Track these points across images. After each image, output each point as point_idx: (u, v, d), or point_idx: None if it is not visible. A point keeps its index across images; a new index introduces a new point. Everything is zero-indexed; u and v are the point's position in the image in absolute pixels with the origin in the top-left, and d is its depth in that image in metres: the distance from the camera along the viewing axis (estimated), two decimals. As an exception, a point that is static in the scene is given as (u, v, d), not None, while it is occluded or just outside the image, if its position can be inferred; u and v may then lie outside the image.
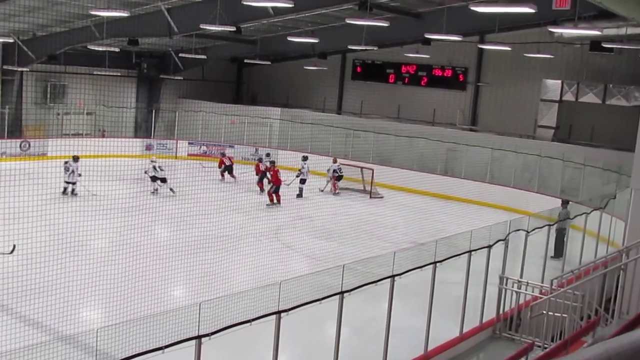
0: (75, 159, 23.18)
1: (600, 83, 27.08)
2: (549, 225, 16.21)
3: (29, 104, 30.98)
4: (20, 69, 29.13)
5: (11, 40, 27.97)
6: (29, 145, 28.76)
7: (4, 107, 29.62)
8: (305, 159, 26.72)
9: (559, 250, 18.00)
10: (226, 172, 28.61)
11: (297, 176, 26.08)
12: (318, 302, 8.98)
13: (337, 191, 27.49)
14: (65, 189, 23.32)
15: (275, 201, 23.95)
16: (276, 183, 24.08)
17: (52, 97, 31.97)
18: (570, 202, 19.47)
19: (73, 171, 23.17)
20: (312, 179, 26.65)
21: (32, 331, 10.88)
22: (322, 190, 27.53)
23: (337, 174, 27.44)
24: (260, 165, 26.87)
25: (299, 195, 25.78)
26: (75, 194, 23.43)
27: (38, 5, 23.48)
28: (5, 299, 11.54)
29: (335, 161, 27.75)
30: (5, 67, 29.27)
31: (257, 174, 26.67)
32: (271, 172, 24.67)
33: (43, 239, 13.37)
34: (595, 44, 25.64)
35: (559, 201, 19.70)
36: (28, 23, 25.99)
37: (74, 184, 23.43)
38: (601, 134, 27.68)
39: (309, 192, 26.33)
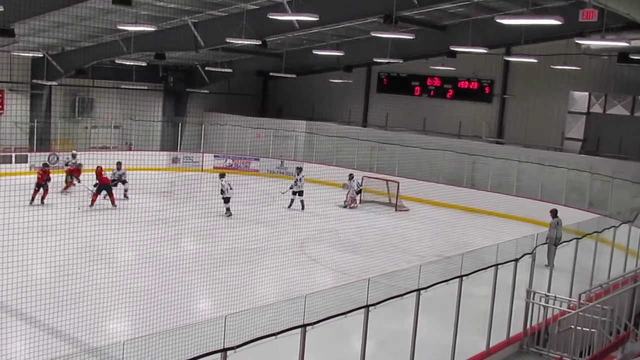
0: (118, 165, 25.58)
1: (629, 95, 26.81)
2: (577, 238, 16.07)
3: (57, 117, 31.41)
4: (49, 83, 29.52)
5: (40, 55, 28.39)
6: (57, 158, 29.05)
7: (33, 120, 30.02)
8: (299, 170, 25.97)
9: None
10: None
11: (291, 188, 25.48)
12: (343, 316, 8.95)
13: (353, 205, 26.91)
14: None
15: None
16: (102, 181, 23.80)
17: (80, 110, 32.38)
18: (557, 211, 19.21)
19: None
20: (313, 187, 25.88)
21: (60, 343, 10.98)
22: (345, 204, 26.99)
23: (359, 188, 27.21)
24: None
25: (290, 206, 25.30)
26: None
27: (67, 21, 23.78)
28: (34, 311, 11.66)
29: (351, 177, 26.96)
30: (34, 81, 29.71)
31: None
32: (97, 173, 23.88)
33: (71, 251, 13.49)
34: (623, 56, 25.39)
35: (588, 214, 19.48)
36: (57, 38, 26.39)
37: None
38: (630, 146, 27.35)
39: (332, 205, 26.28)
